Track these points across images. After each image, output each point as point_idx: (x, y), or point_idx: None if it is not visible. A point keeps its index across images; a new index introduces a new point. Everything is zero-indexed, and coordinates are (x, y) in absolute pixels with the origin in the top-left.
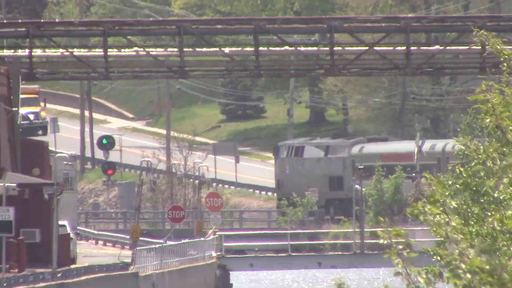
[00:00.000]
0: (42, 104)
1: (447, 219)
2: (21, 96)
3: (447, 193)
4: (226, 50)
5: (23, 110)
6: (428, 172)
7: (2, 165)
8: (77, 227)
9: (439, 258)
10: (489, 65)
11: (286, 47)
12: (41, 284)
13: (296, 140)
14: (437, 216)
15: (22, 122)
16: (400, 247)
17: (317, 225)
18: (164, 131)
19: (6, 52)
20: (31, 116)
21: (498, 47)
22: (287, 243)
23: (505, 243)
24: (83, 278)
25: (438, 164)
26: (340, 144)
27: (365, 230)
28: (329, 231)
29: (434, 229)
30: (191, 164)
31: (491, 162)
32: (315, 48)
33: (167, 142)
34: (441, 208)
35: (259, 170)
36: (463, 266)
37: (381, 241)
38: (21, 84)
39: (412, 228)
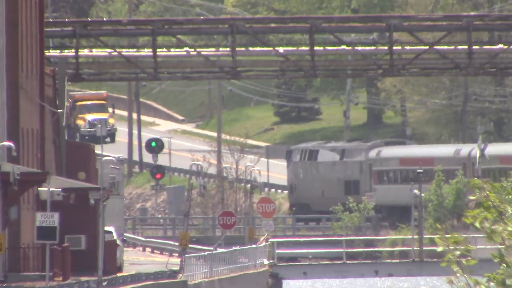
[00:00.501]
0: (110, 110)
1: (503, 225)
2: (88, 102)
3: (504, 198)
4: (281, 49)
5: (90, 117)
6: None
7: (46, 168)
8: (124, 234)
9: (505, 265)
10: None
11: (343, 47)
12: None
13: (310, 144)
14: (495, 224)
15: (89, 129)
16: (458, 253)
17: (374, 231)
18: (214, 134)
19: (52, 53)
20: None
21: None
22: (342, 250)
23: None
24: (130, 286)
25: (463, 169)
26: (356, 148)
27: (424, 236)
28: (387, 238)
29: (490, 236)
30: (242, 168)
31: None
32: (373, 48)
33: (218, 145)
34: (495, 214)
35: None
36: None
37: (439, 249)
38: (66, 85)
39: (473, 235)
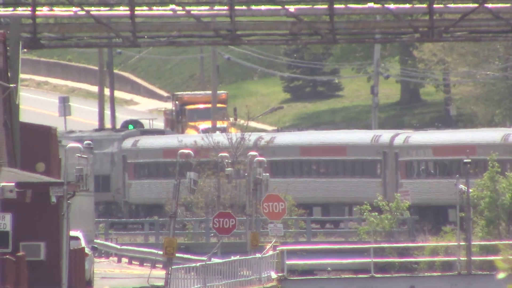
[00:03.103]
0: (231, 117)
1: None
2: (201, 105)
3: None
4: (291, 8)
5: (204, 125)
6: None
7: None
8: (95, 240)
9: None
10: None
11: (370, 4)
12: None
13: None
14: None
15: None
16: None
17: (409, 237)
18: None
19: (2, 11)
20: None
21: None
22: (370, 260)
23: None
24: None
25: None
26: (106, 138)
27: (473, 243)
28: (425, 245)
29: None
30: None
31: None
32: (408, 6)
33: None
34: None
35: None
36: None
37: (500, 275)
38: (21, 52)
39: None
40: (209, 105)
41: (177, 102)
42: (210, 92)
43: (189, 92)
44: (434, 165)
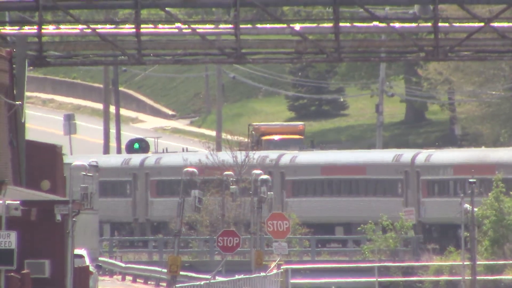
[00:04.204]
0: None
1: None
2: (277, 137)
3: None
4: (297, 26)
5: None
6: None
7: (1, 176)
8: (99, 258)
9: None
10: None
11: (375, 23)
12: None
13: None
14: None
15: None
16: None
17: (413, 256)
18: (213, 133)
19: (9, 30)
20: None
21: None
22: (375, 279)
23: None
24: None
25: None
26: None
27: (478, 263)
28: (430, 264)
29: None
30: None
31: None
32: (413, 25)
33: (218, 146)
34: None
35: None
36: None
37: None
38: (27, 70)
39: None
40: (285, 136)
41: (253, 132)
42: (286, 123)
43: (266, 123)
44: (322, 184)
